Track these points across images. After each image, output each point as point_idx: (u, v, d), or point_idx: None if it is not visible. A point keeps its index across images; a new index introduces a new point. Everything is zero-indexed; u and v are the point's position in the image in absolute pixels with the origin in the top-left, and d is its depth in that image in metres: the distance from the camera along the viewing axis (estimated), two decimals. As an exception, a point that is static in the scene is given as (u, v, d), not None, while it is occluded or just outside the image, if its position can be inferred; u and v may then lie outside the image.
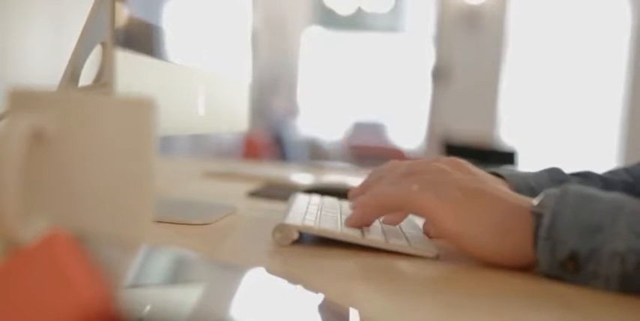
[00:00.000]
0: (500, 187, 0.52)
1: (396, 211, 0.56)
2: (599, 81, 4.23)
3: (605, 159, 4.18)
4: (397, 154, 4.34)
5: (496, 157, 2.94)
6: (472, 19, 4.34)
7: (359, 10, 4.70)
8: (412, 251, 0.51)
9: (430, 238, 0.57)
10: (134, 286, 0.24)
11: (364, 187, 0.62)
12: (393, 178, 0.57)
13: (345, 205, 0.66)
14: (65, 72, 0.48)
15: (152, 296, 0.23)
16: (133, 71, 0.47)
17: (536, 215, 0.46)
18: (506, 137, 4.27)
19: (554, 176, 0.64)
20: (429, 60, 4.45)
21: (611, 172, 0.68)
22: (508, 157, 2.99)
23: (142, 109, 0.35)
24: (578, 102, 4.28)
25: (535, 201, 0.47)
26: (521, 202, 0.49)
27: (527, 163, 4.03)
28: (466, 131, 4.26)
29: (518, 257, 0.47)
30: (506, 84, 4.36)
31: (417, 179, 0.53)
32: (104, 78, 0.42)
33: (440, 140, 3.45)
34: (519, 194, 0.51)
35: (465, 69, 4.37)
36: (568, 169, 0.66)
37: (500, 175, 0.63)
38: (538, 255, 0.45)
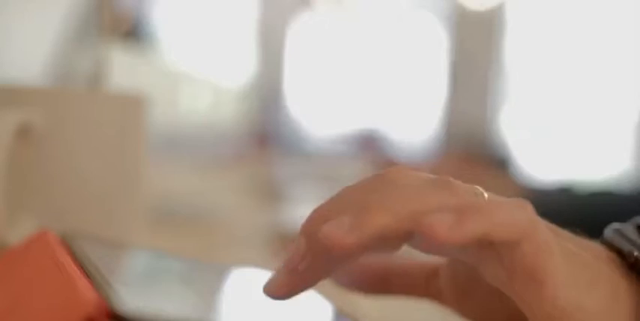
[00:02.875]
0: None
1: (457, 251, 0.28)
2: (609, 79, 4.24)
3: (614, 161, 4.18)
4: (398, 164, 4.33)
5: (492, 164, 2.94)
6: (474, 19, 4.35)
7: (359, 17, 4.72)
8: (412, 249, 0.51)
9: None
10: (125, 287, 0.23)
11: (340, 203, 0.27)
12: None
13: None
14: (55, 68, 0.47)
15: (144, 298, 0.22)
16: (125, 68, 0.46)
17: None
18: (510, 139, 4.27)
19: (569, 195, 0.57)
20: (440, 60, 4.46)
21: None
22: (501, 164, 2.98)
23: (132, 105, 0.35)
24: (586, 103, 4.28)
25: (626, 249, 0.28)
26: (609, 252, 0.29)
27: (529, 165, 4.04)
28: (467, 132, 4.26)
29: None
30: (511, 84, 4.37)
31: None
32: (95, 74, 0.42)
33: (451, 144, 3.43)
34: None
35: (466, 69, 4.38)
36: (580, 181, 0.63)
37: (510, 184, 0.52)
38: None
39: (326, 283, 0.41)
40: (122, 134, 0.34)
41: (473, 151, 3.36)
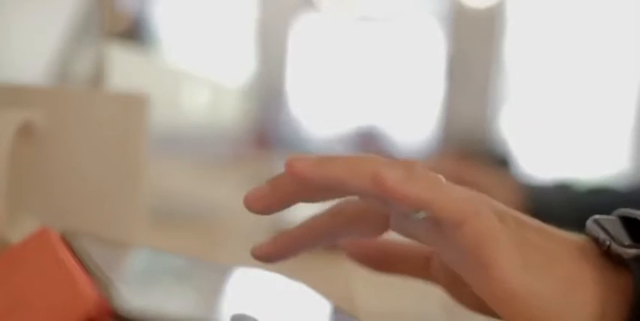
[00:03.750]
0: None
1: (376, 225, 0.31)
2: (609, 79, 4.23)
3: (612, 160, 4.18)
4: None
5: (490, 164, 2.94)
6: (475, 18, 4.34)
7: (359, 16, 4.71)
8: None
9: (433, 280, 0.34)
10: (126, 286, 0.23)
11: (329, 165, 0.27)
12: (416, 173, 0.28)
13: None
14: (56, 67, 0.47)
15: (145, 297, 0.22)
16: (126, 67, 0.46)
17: (634, 261, 0.28)
18: (509, 137, 4.27)
19: (568, 191, 0.56)
20: (439, 58, 4.45)
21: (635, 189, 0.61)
22: (502, 164, 2.99)
23: (134, 104, 0.35)
24: (585, 102, 4.28)
25: (614, 237, 0.28)
26: (586, 243, 0.29)
27: (528, 163, 4.03)
28: (467, 132, 4.26)
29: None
30: (511, 84, 4.37)
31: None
32: (96, 74, 0.42)
33: (450, 142, 3.44)
34: (525, 207, 0.35)
35: (467, 68, 4.38)
36: (579, 177, 0.64)
37: (508, 183, 0.55)
38: None
39: (327, 284, 0.41)
40: (123, 134, 0.34)
41: (472, 149, 3.36)
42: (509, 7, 4.34)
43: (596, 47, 4.21)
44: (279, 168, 1.32)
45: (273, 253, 0.31)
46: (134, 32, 0.49)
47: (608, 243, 0.28)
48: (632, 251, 0.27)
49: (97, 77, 0.42)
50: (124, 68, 0.46)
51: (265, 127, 4.44)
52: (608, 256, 0.28)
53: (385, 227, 0.30)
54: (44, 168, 0.34)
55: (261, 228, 0.60)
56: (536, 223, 0.29)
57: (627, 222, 0.29)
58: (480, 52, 4.37)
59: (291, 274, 0.43)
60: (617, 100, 4.19)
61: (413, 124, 4.65)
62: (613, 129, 4.21)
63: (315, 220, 0.31)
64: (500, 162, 3.01)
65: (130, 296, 0.21)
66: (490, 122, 4.39)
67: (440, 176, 0.28)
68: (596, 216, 0.30)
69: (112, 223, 0.35)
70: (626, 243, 0.27)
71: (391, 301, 0.38)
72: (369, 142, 4.81)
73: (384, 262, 0.34)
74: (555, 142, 4.28)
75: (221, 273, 0.31)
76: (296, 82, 4.83)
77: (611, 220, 0.29)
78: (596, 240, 0.29)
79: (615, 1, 4.18)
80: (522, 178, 0.68)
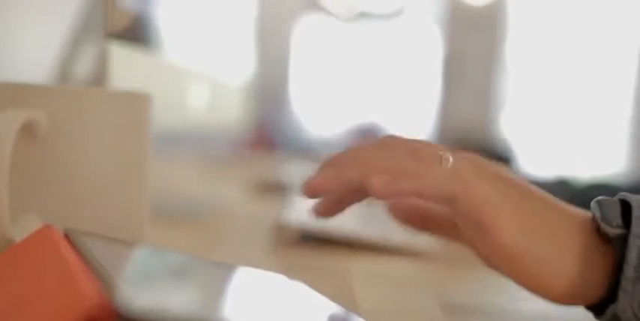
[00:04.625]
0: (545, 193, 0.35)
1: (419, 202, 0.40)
2: (606, 78, 4.23)
3: (613, 159, 4.18)
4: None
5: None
6: (475, 17, 4.34)
7: (358, 14, 4.71)
8: (413, 249, 0.51)
9: (460, 243, 0.40)
10: (129, 284, 0.23)
11: (350, 156, 0.34)
12: (410, 154, 0.34)
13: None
14: (58, 66, 0.47)
15: (147, 295, 0.22)
16: (127, 66, 0.46)
17: (616, 239, 0.32)
18: (508, 135, 4.26)
19: (566, 187, 0.61)
20: (437, 56, 4.45)
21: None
22: (504, 160, 2.99)
23: (137, 103, 0.35)
24: (585, 100, 4.27)
25: (601, 216, 0.32)
26: (583, 214, 0.34)
27: (528, 162, 4.03)
28: (467, 130, 4.25)
29: (593, 294, 0.33)
30: (511, 82, 4.36)
31: (448, 160, 0.33)
32: (98, 73, 0.42)
33: (448, 140, 3.46)
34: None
35: (468, 67, 4.37)
36: (578, 175, 0.65)
37: None
38: (622, 302, 0.31)
39: (326, 283, 0.41)
40: (126, 132, 0.34)
41: (471, 147, 3.36)
42: (508, 4, 4.34)
43: (595, 46, 4.20)
44: (280, 165, 1.32)
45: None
46: (136, 31, 0.49)
47: (599, 222, 0.32)
48: (617, 231, 0.31)
49: (99, 76, 0.42)
50: (126, 67, 0.46)
51: (266, 126, 4.43)
52: (599, 230, 0.33)
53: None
54: (47, 167, 0.34)
55: (261, 228, 0.60)
56: (543, 194, 0.34)
57: (625, 204, 0.33)
58: (479, 50, 4.37)
59: (291, 274, 0.43)
60: (615, 99, 4.19)
61: (413, 121, 4.65)
62: (611, 128, 4.21)
63: None
64: (499, 160, 3.01)
65: (132, 295, 0.21)
66: (489, 120, 4.38)
67: (445, 154, 0.33)
68: (600, 197, 0.33)
69: (114, 222, 0.35)
70: (614, 223, 0.32)
71: (391, 301, 0.38)
72: (368, 137, 4.81)
73: (419, 221, 0.40)
74: (554, 141, 4.28)
75: (222, 272, 0.31)
76: (296, 81, 4.83)
77: (610, 202, 0.33)
78: (594, 217, 0.33)
79: (615, 0, 4.17)
80: (522, 176, 0.69)
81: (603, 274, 0.32)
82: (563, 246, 0.32)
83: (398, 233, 0.55)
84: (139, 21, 0.49)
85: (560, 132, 4.28)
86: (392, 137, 0.35)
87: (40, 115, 0.33)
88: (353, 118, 4.78)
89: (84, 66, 0.48)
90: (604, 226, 0.32)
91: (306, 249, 0.51)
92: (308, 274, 0.43)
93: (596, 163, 4.13)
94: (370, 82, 4.76)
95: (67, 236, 0.30)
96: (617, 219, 0.32)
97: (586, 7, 4.22)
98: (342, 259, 0.49)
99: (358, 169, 0.33)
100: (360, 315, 0.35)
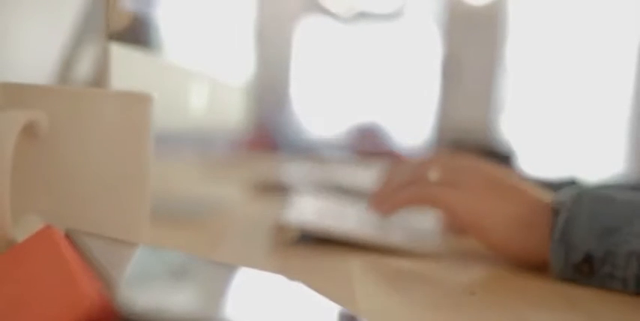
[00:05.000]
0: (520, 179, 0.50)
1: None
2: (605, 79, 4.23)
3: (612, 159, 4.18)
4: (399, 158, 4.33)
5: (493, 160, 2.94)
6: (475, 17, 4.34)
7: (358, 14, 4.70)
8: (413, 250, 0.51)
9: (455, 232, 0.59)
10: (130, 284, 0.24)
11: (385, 193, 0.55)
12: (412, 178, 0.53)
13: (347, 203, 0.66)
14: (59, 67, 0.47)
15: (148, 295, 0.22)
16: (128, 67, 0.46)
17: (555, 212, 0.44)
18: (510, 136, 4.26)
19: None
20: (436, 57, 4.45)
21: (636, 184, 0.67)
22: (504, 160, 2.99)
23: (138, 103, 0.35)
24: (584, 100, 4.27)
25: (555, 198, 0.46)
26: (541, 195, 0.47)
27: (529, 163, 4.03)
28: (469, 130, 4.25)
29: (541, 255, 0.46)
30: (511, 83, 4.36)
31: (435, 171, 0.52)
32: (99, 73, 0.42)
33: (447, 140, 3.46)
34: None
35: (469, 67, 4.37)
36: (584, 176, 0.66)
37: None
38: (551, 258, 0.44)
39: (326, 283, 0.41)
40: (127, 133, 0.34)
41: (472, 147, 3.36)
42: (509, 4, 4.34)
43: (595, 47, 4.20)
44: (280, 166, 1.32)
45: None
46: (136, 32, 0.49)
47: (554, 205, 0.45)
48: (557, 206, 0.44)
49: (100, 77, 0.42)
50: (126, 68, 0.46)
51: (266, 126, 4.44)
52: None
53: None
54: (48, 167, 0.34)
55: (261, 228, 0.60)
56: (508, 185, 0.48)
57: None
58: (479, 50, 4.37)
59: (291, 274, 0.43)
60: (614, 100, 4.19)
61: (413, 121, 4.65)
62: (610, 129, 4.21)
63: None
64: (499, 159, 3.01)
65: (132, 295, 0.21)
66: (489, 120, 4.38)
67: (415, 177, 0.52)
68: (573, 186, 0.48)
69: (115, 222, 0.35)
70: (557, 201, 0.44)
71: (391, 301, 0.38)
72: (368, 138, 4.81)
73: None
74: (554, 141, 4.28)
75: (223, 272, 0.31)
76: (296, 82, 4.83)
77: (570, 188, 0.47)
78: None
79: (615, 1, 4.17)
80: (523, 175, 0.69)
81: (544, 236, 0.45)
82: (509, 218, 0.46)
83: (398, 233, 0.55)
84: (140, 21, 0.49)
85: (560, 132, 4.28)
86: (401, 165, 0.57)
87: (42, 115, 0.33)
88: (353, 118, 4.78)
89: (84, 66, 0.48)
90: (552, 204, 0.45)
91: (306, 249, 0.51)
92: (308, 274, 0.43)
93: (596, 163, 4.13)
94: (371, 83, 4.76)
95: (68, 236, 0.30)
96: (562, 198, 0.44)
97: (586, 8, 4.22)
98: (342, 259, 0.49)
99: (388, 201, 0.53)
100: (360, 315, 0.35)
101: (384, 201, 0.53)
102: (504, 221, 0.46)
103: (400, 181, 0.54)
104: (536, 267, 0.48)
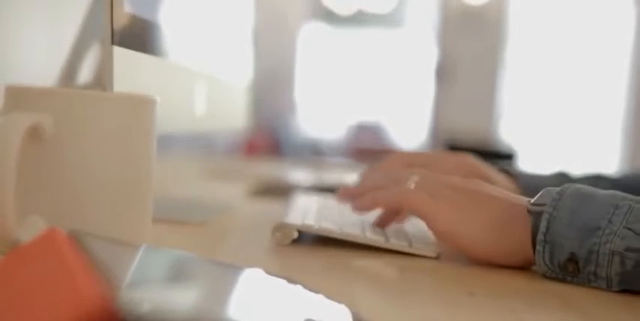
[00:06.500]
0: (496, 187, 0.52)
1: (393, 210, 0.57)
2: (601, 80, 4.22)
3: (607, 158, 4.17)
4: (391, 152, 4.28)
5: (495, 159, 2.93)
6: (473, 18, 4.33)
7: (359, 11, 4.70)
8: (412, 251, 0.51)
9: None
10: (133, 285, 0.24)
11: (360, 189, 0.56)
12: (390, 177, 0.55)
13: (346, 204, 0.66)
14: (63, 70, 0.47)
15: (151, 296, 0.22)
16: (131, 69, 0.46)
17: (534, 214, 0.46)
18: (508, 137, 4.26)
19: (564, 179, 0.64)
20: (432, 59, 4.44)
21: (625, 175, 0.68)
22: (506, 159, 2.99)
23: (142, 106, 0.35)
24: (580, 101, 4.27)
25: (532, 200, 0.47)
26: (516, 200, 0.49)
27: (528, 163, 4.03)
28: (467, 130, 4.25)
29: (517, 256, 0.47)
30: (508, 83, 4.36)
31: (414, 179, 0.53)
32: (102, 76, 0.42)
33: (443, 140, 3.45)
34: (522, 194, 0.52)
35: (467, 68, 4.37)
36: (576, 171, 0.66)
37: (509, 173, 0.64)
38: (537, 258, 0.45)
39: (326, 283, 0.41)
40: (131, 135, 0.35)
41: (471, 146, 3.35)
42: (509, 5, 4.33)
43: (593, 48, 4.20)
44: (282, 167, 1.32)
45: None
46: (139, 34, 0.49)
47: (528, 206, 0.47)
48: (536, 209, 0.45)
49: (104, 79, 0.42)
50: (130, 70, 0.46)
51: (267, 127, 4.43)
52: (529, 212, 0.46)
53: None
54: (52, 169, 0.34)
55: (261, 228, 0.60)
56: (487, 191, 0.50)
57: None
58: (479, 49, 4.36)
59: (292, 274, 0.44)
60: (611, 99, 4.18)
61: (413, 122, 4.64)
62: (606, 128, 4.20)
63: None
64: (499, 158, 3.00)
65: (135, 296, 0.22)
66: (489, 120, 4.38)
67: (413, 174, 0.53)
68: (547, 188, 0.47)
69: (119, 224, 0.35)
70: (537, 204, 0.46)
71: (391, 301, 0.38)
72: (368, 136, 4.80)
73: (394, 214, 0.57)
74: (552, 140, 4.28)
75: (224, 272, 0.31)
76: (298, 83, 4.82)
77: (547, 190, 0.46)
78: (528, 202, 0.47)
79: (615, 1, 4.17)
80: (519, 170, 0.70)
81: (527, 240, 0.46)
82: (483, 224, 0.48)
83: (397, 234, 0.55)
84: (142, 23, 0.50)
85: (559, 132, 4.28)
86: (383, 165, 0.63)
87: (46, 118, 0.33)
88: (353, 119, 4.77)
89: (88, 69, 0.48)
90: (529, 207, 0.46)
91: (306, 249, 0.52)
92: (308, 274, 0.44)
93: (592, 161, 4.13)
94: (371, 84, 4.76)
95: (71, 238, 0.31)
96: (545, 199, 0.45)
97: (585, 9, 4.21)
98: (342, 259, 0.49)
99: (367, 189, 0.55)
100: (360, 316, 0.35)
101: (360, 195, 0.54)
102: (482, 228, 0.48)
103: (382, 179, 0.55)
104: (517, 268, 0.48)
